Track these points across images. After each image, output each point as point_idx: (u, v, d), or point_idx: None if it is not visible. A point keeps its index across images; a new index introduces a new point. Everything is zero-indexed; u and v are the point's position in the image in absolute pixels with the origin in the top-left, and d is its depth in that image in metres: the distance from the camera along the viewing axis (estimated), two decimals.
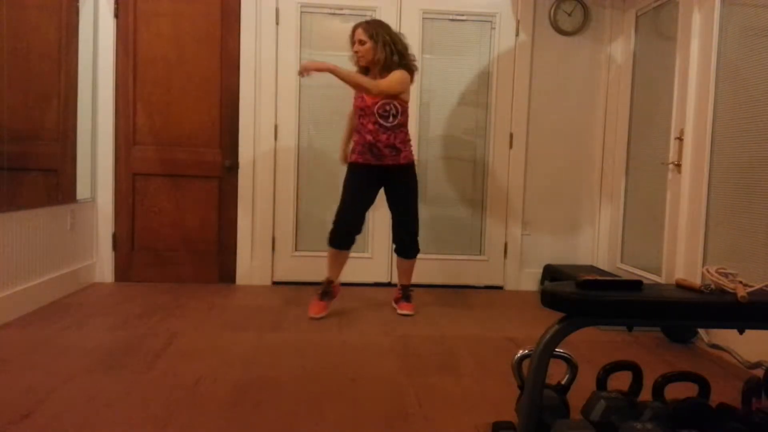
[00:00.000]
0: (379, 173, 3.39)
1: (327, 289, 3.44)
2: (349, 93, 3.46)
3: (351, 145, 3.50)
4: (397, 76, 3.25)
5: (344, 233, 3.37)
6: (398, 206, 3.45)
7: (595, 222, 4.36)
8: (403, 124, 3.38)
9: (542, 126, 4.28)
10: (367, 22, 3.35)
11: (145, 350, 2.68)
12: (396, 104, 3.30)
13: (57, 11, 3.50)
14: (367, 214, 3.46)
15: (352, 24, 3.44)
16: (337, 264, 3.45)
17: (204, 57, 4.07)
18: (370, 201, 3.45)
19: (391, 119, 3.30)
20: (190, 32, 4.06)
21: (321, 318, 3.34)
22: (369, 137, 3.32)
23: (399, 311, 3.51)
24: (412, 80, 3.36)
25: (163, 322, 3.14)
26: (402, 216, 3.45)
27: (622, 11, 4.19)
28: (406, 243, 3.48)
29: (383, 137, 3.30)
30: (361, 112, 3.35)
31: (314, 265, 4.09)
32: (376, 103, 3.28)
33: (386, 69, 3.28)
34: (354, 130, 3.45)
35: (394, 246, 3.55)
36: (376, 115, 3.29)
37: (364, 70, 3.37)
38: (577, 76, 4.28)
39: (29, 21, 3.21)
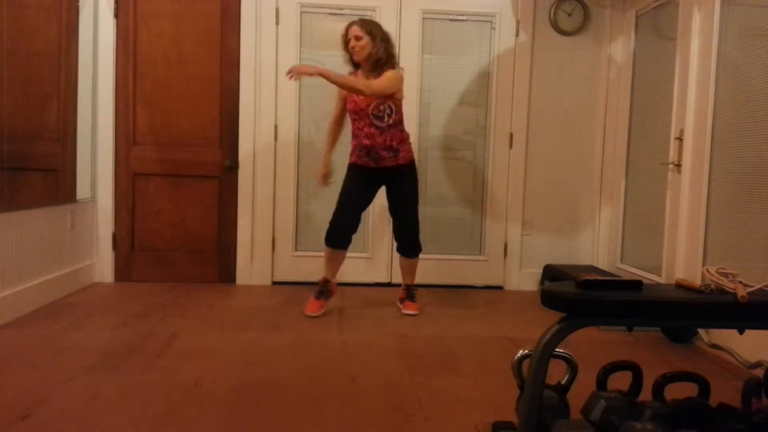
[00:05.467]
0: (378, 174, 3.40)
1: (324, 288, 3.45)
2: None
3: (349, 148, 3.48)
4: (391, 74, 3.23)
5: (340, 233, 3.39)
6: (397, 205, 3.44)
7: (595, 222, 4.36)
8: (399, 123, 3.36)
9: (542, 126, 4.28)
10: (362, 20, 3.36)
11: (145, 350, 2.68)
12: (390, 104, 3.28)
13: (57, 11, 3.50)
14: (363, 214, 3.46)
15: None
16: (333, 263, 3.46)
17: (204, 57, 4.07)
18: (367, 201, 3.47)
19: (386, 119, 3.28)
20: (190, 32, 4.06)
21: (317, 316, 3.35)
22: (366, 141, 3.31)
23: (404, 311, 3.52)
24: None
25: (163, 322, 3.13)
26: (401, 215, 3.45)
27: (622, 11, 4.19)
28: (407, 242, 3.48)
29: (380, 140, 3.29)
30: (355, 116, 3.34)
31: (314, 265, 4.09)
32: (370, 104, 3.26)
33: (379, 66, 3.27)
34: (352, 134, 3.43)
35: (396, 245, 3.55)
36: (371, 117, 3.28)
37: (355, 67, 3.37)
38: (577, 76, 4.28)
39: (29, 21, 3.21)
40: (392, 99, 3.28)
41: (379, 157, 3.33)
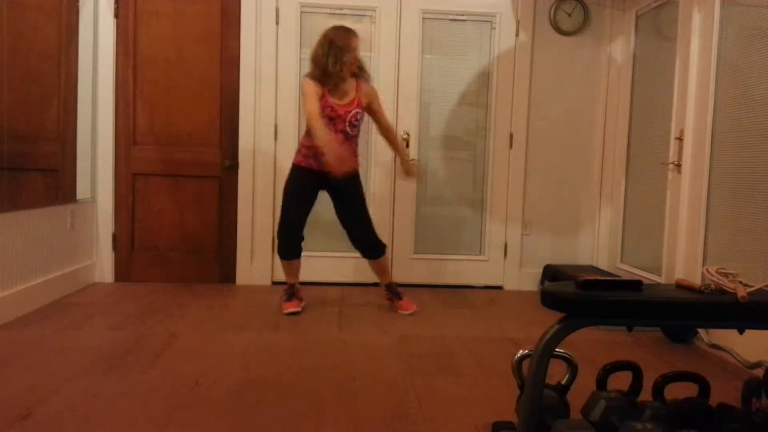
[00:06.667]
0: (322, 179, 3.32)
1: (292, 291, 3.46)
2: None
3: (297, 146, 3.46)
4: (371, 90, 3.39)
5: (293, 244, 3.37)
6: (347, 210, 3.40)
7: (595, 222, 4.36)
8: (358, 135, 3.41)
9: (542, 126, 4.28)
10: None
11: (145, 350, 2.68)
12: (363, 115, 3.36)
13: (57, 11, 3.50)
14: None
15: (352, 24, 3.44)
16: (292, 271, 3.46)
17: (204, 57, 4.07)
18: (311, 207, 3.41)
19: (355, 130, 3.34)
20: (190, 32, 4.06)
21: (298, 312, 3.37)
22: None
23: (401, 312, 3.49)
24: None
25: (163, 322, 3.13)
26: (356, 221, 3.40)
27: (622, 11, 4.19)
28: (366, 243, 3.44)
29: (342, 147, 3.24)
30: (328, 120, 3.24)
31: (314, 265, 4.09)
32: (349, 111, 3.27)
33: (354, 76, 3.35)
34: (306, 134, 3.35)
35: (360, 253, 3.49)
36: (346, 123, 3.28)
37: (333, 77, 3.24)
38: (577, 76, 4.28)
39: (29, 21, 3.21)
40: (365, 110, 3.36)
41: None
